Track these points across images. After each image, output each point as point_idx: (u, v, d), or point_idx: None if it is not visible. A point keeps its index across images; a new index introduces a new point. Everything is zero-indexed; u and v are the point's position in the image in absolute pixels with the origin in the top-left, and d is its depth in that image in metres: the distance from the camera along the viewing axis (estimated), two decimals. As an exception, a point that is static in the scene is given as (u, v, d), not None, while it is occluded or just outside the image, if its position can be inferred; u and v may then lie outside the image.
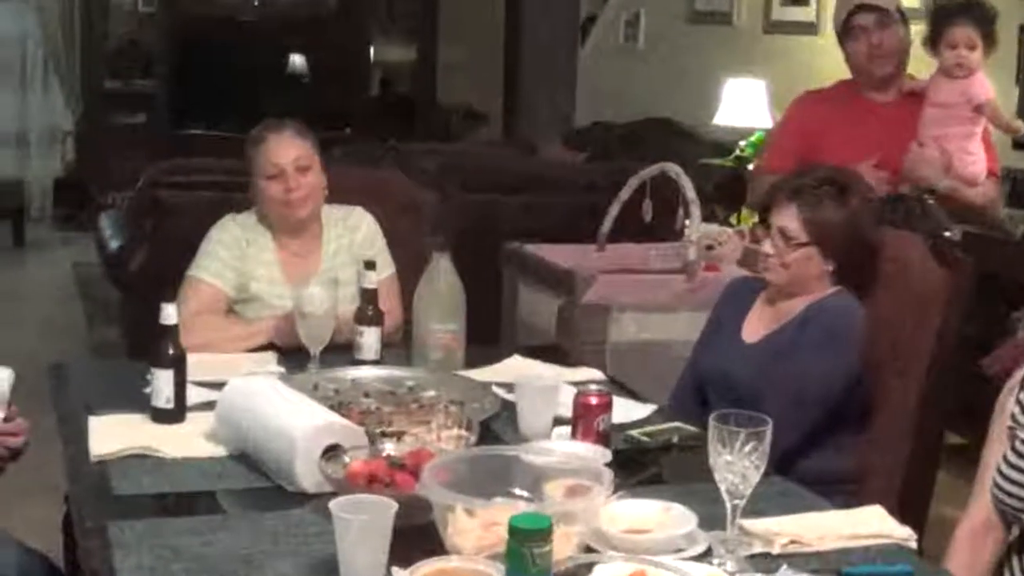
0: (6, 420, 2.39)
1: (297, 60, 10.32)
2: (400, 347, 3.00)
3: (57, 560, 2.58)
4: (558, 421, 2.41)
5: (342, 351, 2.86)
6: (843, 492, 2.41)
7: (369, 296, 2.89)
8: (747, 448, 1.81)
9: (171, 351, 2.45)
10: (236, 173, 3.33)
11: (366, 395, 2.58)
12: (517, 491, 1.93)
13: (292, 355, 2.87)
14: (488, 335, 4.08)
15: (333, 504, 1.76)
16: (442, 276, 2.85)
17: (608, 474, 1.88)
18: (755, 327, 2.81)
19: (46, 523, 2.85)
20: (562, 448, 2.20)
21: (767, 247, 2.75)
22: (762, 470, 1.83)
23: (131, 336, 5.18)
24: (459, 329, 2.86)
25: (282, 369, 2.81)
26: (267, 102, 8.63)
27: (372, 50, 10.53)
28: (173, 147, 8.18)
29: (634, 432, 2.43)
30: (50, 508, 2.85)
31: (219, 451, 2.31)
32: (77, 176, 9.46)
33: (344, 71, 10.21)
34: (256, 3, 10.00)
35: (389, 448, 2.12)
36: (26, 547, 2.50)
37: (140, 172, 5.19)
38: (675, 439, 2.42)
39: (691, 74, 7.29)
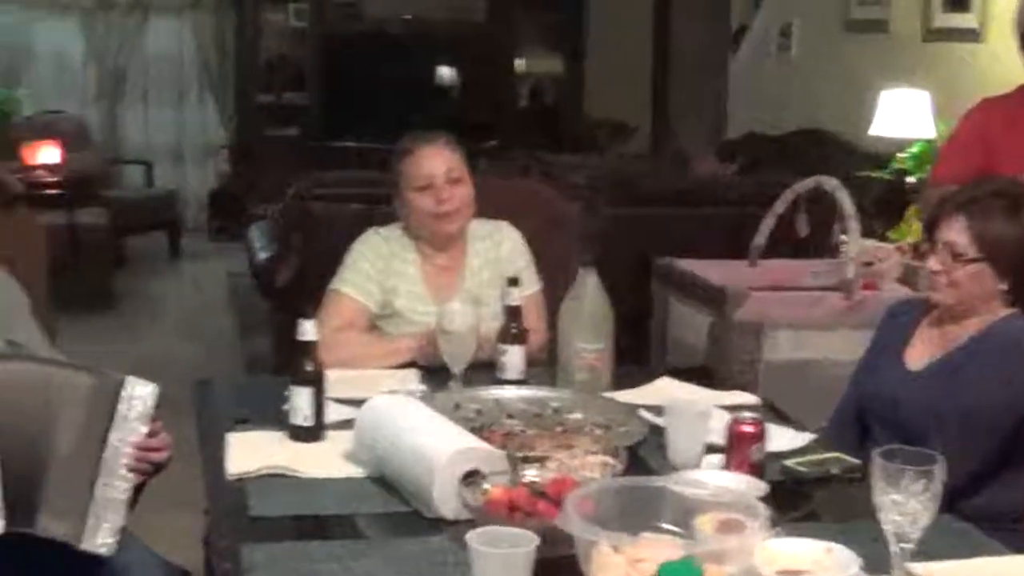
0: (150, 435, 2.37)
1: (445, 73, 10.35)
2: (545, 366, 2.90)
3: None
4: (709, 448, 2.30)
5: (485, 370, 2.79)
6: (1013, 531, 2.25)
7: (513, 313, 2.81)
8: (916, 487, 1.68)
9: (309, 368, 2.40)
10: (383, 185, 3.28)
11: (509, 416, 2.50)
12: (665, 525, 1.83)
13: (434, 373, 2.81)
14: (637, 354, 3.98)
15: (471, 536, 1.69)
16: (588, 293, 2.75)
17: (763, 509, 1.76)
18: (920, 352, 2.63)
19: (190, 537, 2.84)
20: (713, 479, 2.09)
21: (933, 264, 2.58)
22: (933, 511, 1.70)
23: (281, 348, 5.19)
24: (605, 349, 2.76)
25: (424, 387, 2.74)
26: (415, 114, 8.65)
27: (520, 62, 10.50)
28: (324, 159, 8.27)
29: (790, 462, 2.29)
30: (194, 522, 2.84)
31: (357, 472, 2.25)
32: (231, 188, 9.62)
33: (491, 83, 10.19)
34: (406, 17, 10.04)
35: (531, 475, 2.04)
36: (168, 563, 2.47)
37: (290, 184, 5.21)
38: (835, 471, 2.27)
39: (846, 84, 7.08)
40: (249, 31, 9.84)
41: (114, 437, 2.33)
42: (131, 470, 2.35)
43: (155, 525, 2.62)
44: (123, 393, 2.34)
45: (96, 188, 8.04)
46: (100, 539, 2.30)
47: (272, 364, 5.45)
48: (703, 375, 2.98)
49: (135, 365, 5.76)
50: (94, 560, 2.31)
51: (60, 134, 8.40)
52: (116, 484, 2.33)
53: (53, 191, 7.54)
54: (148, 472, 2.40)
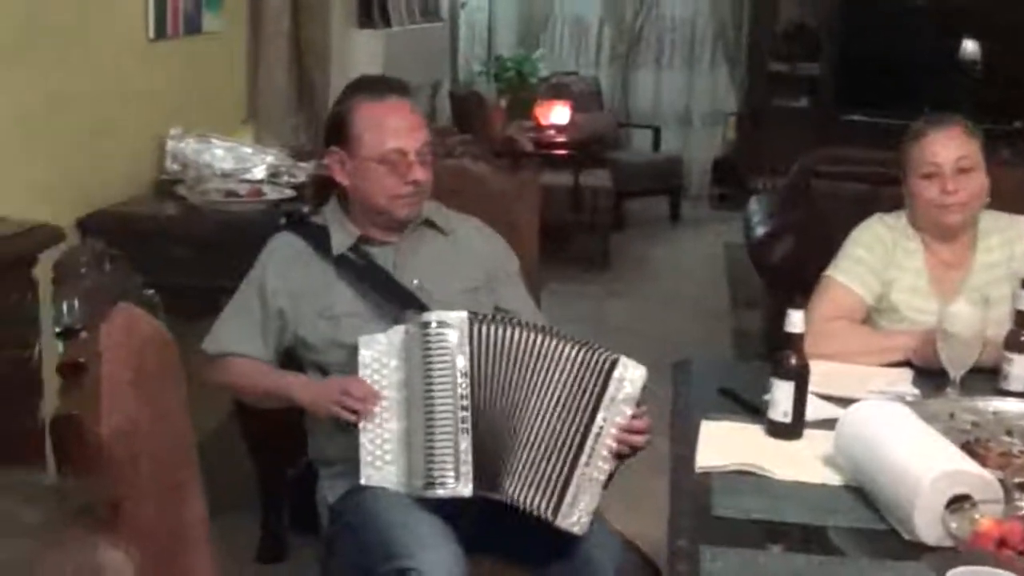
0: (633, 419, 2.33)
1: (969, 47, 9.74)
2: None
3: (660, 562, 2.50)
4: None
5: (986, 377, 2.55)
6: None
7: (1023, 320, 2.54)
8: None
9: (794, 361, 2.27)
10: (892, 165, 3.06)
11: (1008, 433, 2.26)
12: None
13: (929, 376, 2.60)
14: None
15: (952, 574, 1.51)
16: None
17: None
18: None
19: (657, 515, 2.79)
20: None
21: None
22: None
23: (771, 329, 5.05)
24: None
25: (917, 391, 2.54)
26: (933, 91, 8.21)
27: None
28: (831, 133, 8.00)
29: None
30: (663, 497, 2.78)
31: (834, 479, 2.10)
32: (735, 157, 9.53)
33: (1019, 60, 9.49)
34: (931, -14, 9.52)
35: (1029, 507, 1.82)
36: (630, 545, 2.43)
37: (796, 157, 5.05)
38: None
39: None
40: (767, -3, 9.69)
41: (601, 417, 2.31)
42: (612, 453, 2.32)
43: (622, 494, 2.56)
44: (615, 374, 2.31)
45: (602, 150, 8.19)
46: (575, 517, 2.29)
47: (760, 343, 5.33)
48: None
49: (620, 328, 5.73)
50: (560, 535, 2.30)
51: (572, 96, 8.62)
52: (599, 465, 2.31)
53: (561, 151, 7.75)
54: (627, 455, 2.36)
